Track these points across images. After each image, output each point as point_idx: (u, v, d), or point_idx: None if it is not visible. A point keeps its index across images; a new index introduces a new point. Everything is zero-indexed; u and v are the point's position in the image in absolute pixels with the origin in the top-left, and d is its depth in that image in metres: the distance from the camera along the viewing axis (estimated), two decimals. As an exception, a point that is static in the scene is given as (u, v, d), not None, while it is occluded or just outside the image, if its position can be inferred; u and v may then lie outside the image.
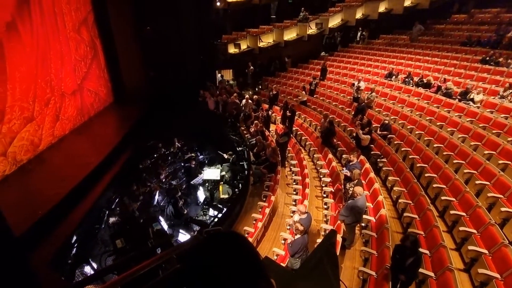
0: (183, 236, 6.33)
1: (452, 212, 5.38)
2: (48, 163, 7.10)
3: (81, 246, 5.95)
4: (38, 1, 7.12)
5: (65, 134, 8.38)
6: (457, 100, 9.03)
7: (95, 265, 5.52)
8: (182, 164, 9.13)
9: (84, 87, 9.32)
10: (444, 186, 6.04)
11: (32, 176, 6.54)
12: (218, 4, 15.06)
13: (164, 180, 8.42)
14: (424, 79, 10.59)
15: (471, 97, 8.79)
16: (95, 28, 9.89)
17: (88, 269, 5.41)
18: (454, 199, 5.65)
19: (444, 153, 7.11)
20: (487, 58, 10.50)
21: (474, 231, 4.82)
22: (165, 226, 6.45)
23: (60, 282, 4.54)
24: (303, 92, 12.14)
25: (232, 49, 14.25)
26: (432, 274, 4.19)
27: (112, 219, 6.55)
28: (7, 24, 6.18)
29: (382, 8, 15.62)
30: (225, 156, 8.43)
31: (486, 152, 6.65)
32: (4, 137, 6.22)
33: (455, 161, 6.70)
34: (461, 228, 4.95)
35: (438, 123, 8.43)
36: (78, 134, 8.70)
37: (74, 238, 5.82)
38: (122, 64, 10.92)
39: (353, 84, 11.48)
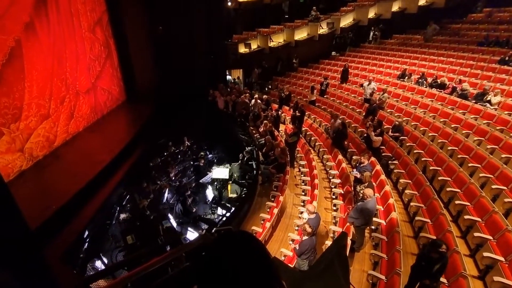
0: (192, 234, 6.38)
1: (466, 217, 5.22)
2: (62, 159, 7.30)
3: (93, 241, 6.08)
4: (55, 1, 7.33)
5: (79, 132, 8.60)
6: (473, 102, 8.76)
7: (106, 260, 5.64)
8: (192, 162, 9.23)
9: (97, 86, 9.54)
10: (459, 190, 5.87)
11: (47, 172, 6.74)
12: (229, 4, 15.12)
13: (173, 178, 8.53)
14: (438, 80, 10.33)
15: (488, 98, 8.51)
16: (109, 28, 10.11)
17: (99, 264, 5.53)
18: (468, 204, 5.48)
19: (459, 156, 6.91)
20: (506, 59, 10.14)
21: (490, 237, 4.66)
22: (174, 223, 6.54)
23: (72, 275, 4.66)
24: (310, 92, 12.11)
25: (242, 49, 14.28)
26: (445, 280, 4.08)
27: (122, 216, 6.68)
28: (26, 24, 6.39)
29: (395, 7, 15.32)
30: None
31: (503, 155, 6.41)
32: (21, 134, 6.44)
33: (470, 165, 6.50)
34: (476, 234, 4.80)
35: (452, 125, 8.20)
36: (91, 132, 8.90)
37: (86, 233, 5.95)
38: (135, 63, 11.12)
39: (362, 85, 11.32)
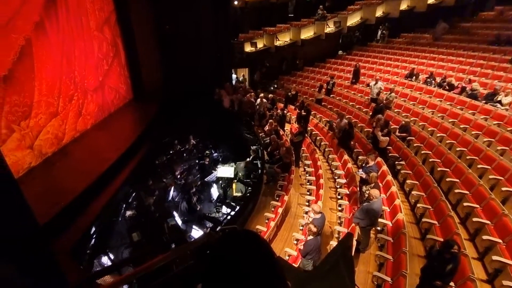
0: (196, 232, 6.42)
1: (475, 219, 5.13)
2: (70, 156, 7.41)
3: (99, 237, 6.16)
4: (64, 1, 7.43)
5: (86, 129, 8.71)
6: (483, 102, 8.59)
7: (112, 256, 5.71)
8: (197, 161, 9.27)
9: (105, 84, 9.64)
10: (467, 192, 5.76)
11: (56, 169, 6.84)
12: (236, 2, 15.12)
13: (179, 176, 8.59)
14: (447, 80, 10.15)
15: (499, 99, 8.34)
16: (117, 27, 10.20)
17: (105, 260, 5.61)
18: (477, 206, 5.38)
19: (468, 157, 6.79)
20: (518, 58, 9.92)
21: (499, 240, 4.57)
22: (179, 221, 6.59)
23: (79, 271, 4.74)
24: (318, 91, 12.07)
25: (248, 48, 14.28)
26: (452, 283, 4.01)
27: (128, 213, 6.76)
28: (36, 23, 6.49)
29: (404, 5, 15.11)
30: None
31: (514, 157, 6.28)
32: (31, 131, 6.55)
33: (479, 166, 6.38)
34: (485, 237, 4.71)
35: (461, 126, 8.06)
36: (98, 130, 9.01)
37: (93, 229, 6.04)
38: (142, 62, 11.20)
39: (368, 84, 11.21)
